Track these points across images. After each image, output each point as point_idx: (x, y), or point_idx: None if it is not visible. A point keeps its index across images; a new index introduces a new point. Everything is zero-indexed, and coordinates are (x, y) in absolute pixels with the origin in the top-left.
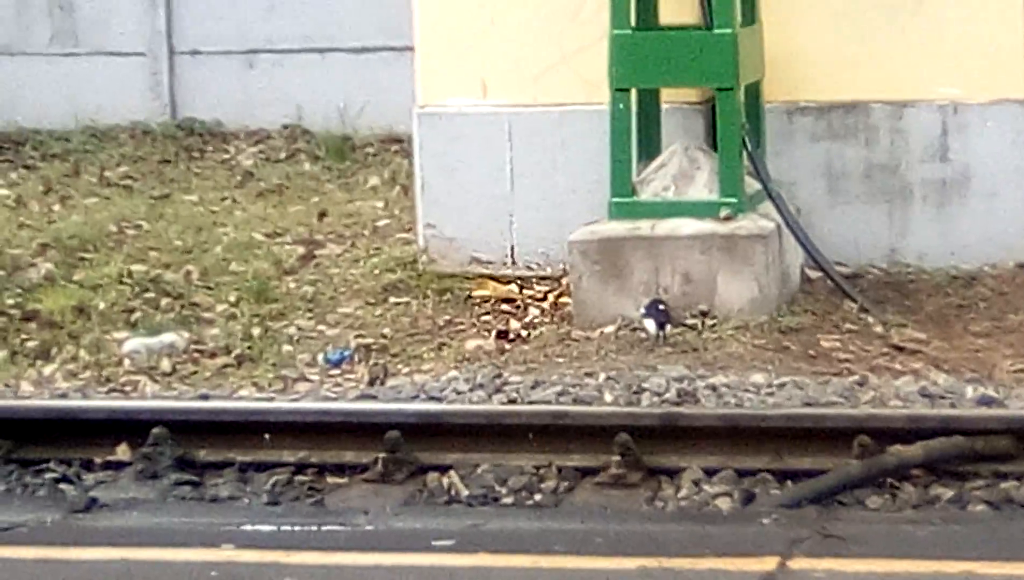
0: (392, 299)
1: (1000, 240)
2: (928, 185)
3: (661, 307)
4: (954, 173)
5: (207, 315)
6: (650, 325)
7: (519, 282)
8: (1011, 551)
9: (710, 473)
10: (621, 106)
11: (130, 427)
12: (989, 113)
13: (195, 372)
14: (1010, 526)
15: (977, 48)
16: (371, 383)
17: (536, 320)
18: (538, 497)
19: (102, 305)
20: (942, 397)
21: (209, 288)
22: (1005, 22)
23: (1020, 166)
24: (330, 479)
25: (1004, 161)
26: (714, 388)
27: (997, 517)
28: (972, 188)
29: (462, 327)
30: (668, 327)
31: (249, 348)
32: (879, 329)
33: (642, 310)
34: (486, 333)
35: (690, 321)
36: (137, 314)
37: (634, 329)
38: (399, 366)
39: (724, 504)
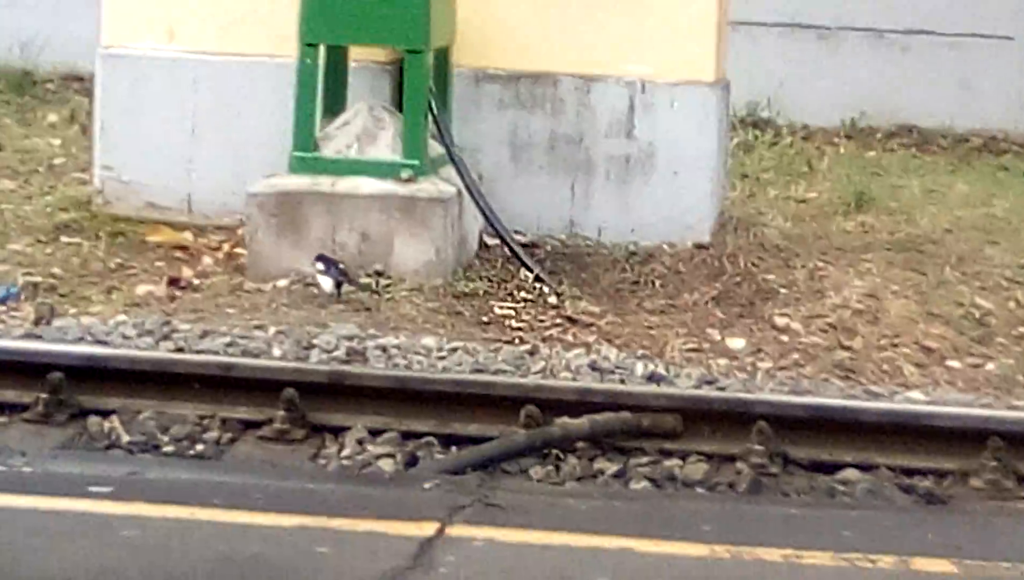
0: (64, 239)
1: (680, 220)
2: (612, 161)
3: (341, 266)
4: (638, 151)
5: None
6: (326, 282)
7: (195, 230)
8: (670, 529)
9: (375, 434)
10: (308, 61)
11: None
12: (677, 93)
13: None
14: (671, 504)
15: (669, 29)
16: (37, 322)
17: (209, 269)
18: (200, 447)
19: None
20: (612, 372)
21: None
22: (698, 4)
23: (703, 148)
24: None
25: (689, 143)
26: (384, 349)
27: (658, 495)
28: (655, 167)
29: (134, 272)
30: (344, 286)
31: None
32: (553, 300)
33: (319, 266)
34: (158, 279)
35: (365, 280)
36: None
37: (308, 284)
38: (67, 307)
39: (387, 466)
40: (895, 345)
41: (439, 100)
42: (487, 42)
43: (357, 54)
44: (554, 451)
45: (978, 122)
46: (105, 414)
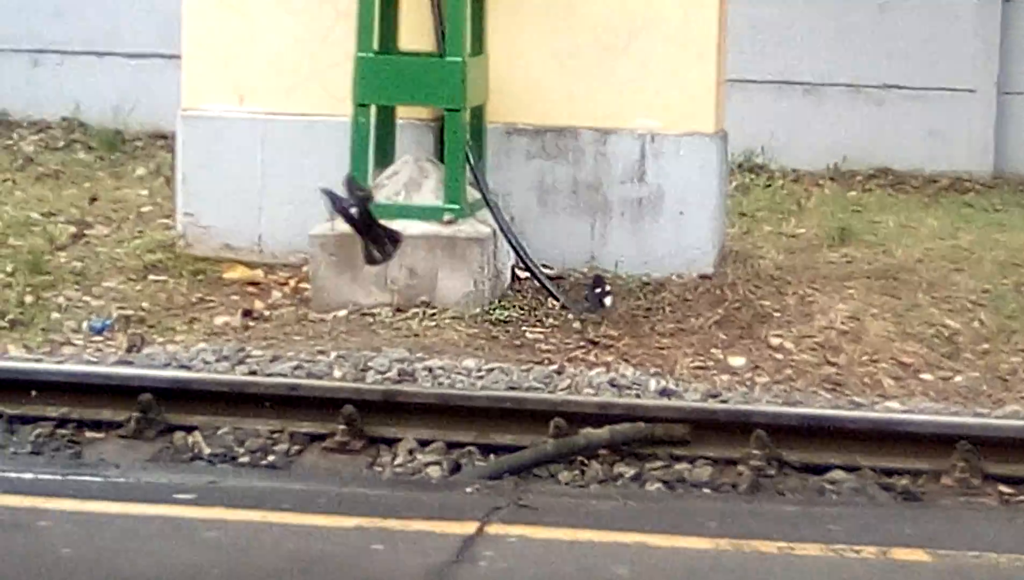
0: (151, 277)
1: (686, 253)
2: (626, 202)
3: (607, 288)
4: (649, 193)
5: None
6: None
7: (265, 268)
8: (681, 526)
9: (423, 444)
10: (361, 120)
11: None
12: (682, 143)
13: None
14: (681, 503)
15: (675, 86)
16: (129, 350)
17: (278, 302)
18: (271, 458)
19: None
20: (629, 387)
21: None
22: (700, 66)
23: (705, 190)
24: (88, 434)
25: (693, 185)
26: (431, 370)
27: (670, 495)
28: (664, 207)
29: (212, 305)
30: (608, 300)
31: (21, 314)
32: (577, 325)
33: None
34: (233, 311)
35: (412, 310)
36: None
37: (364, 314)
38: (155, 336)
39: (434, 472)
40: (875, 361)
41: (475, 152)
42: (517, 101)
43: (403, 113)
44: (579, 458)
45: (945, 165)
46: (189, 430)
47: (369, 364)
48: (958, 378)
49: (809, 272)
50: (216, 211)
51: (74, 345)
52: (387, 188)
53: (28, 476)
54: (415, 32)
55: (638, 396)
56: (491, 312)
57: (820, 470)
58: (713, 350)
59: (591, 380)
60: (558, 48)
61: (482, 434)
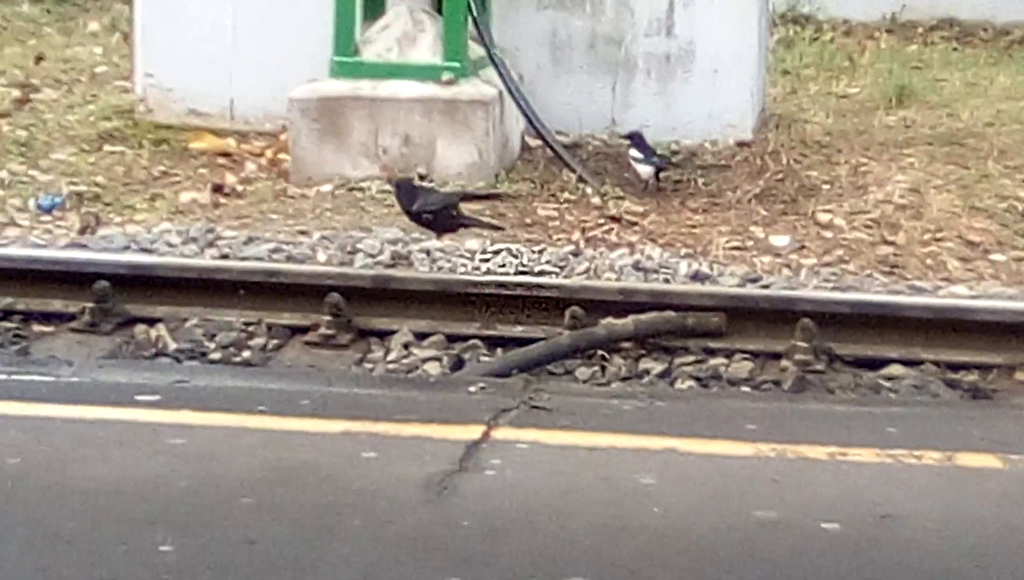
0: (107, 148)
1: (721, 117)
2: (652, 59)
3: (659, 153)
4: (679, 49)
5: None
6: (645, 170)
7: (237, 137)
8: (714, 429)
9: (420, 337)
10: None
11: None
12: None
13: None
14: (715, 403)
15: None
16: (82, 232)
17: (252, 176)
18: (246, 354)
19: None
20: (656, 271)
21: None
22: None
23: (744, 46)
24: (36, 327)
25: (728, 40)
26: (427, 252)
27: (703, 394)
28: (696, 64)
29: (177, 179)
30: (663, 172)
31: None
32: (596, 200)
33: (635, 154)
34: (201, 186)
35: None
36: None
37: (351, 189)
38: (111, 216)
39: (433, 369)
40: (938, 239)
41: (479, 1)
42: None
43: None
44: (599, 352)
45: (1019, 14)
46: (151, 322)
47: (358, 246)
48: None
49: (863, 138)
50: (181, 71)
51: (19, 226)
52: (377, 43)
53: None
54: None
55: (667, 281)
56: (498, 185)
57: (876, 365)
58: (752, 228)
59: (612, 263)
60: None
61: (487, 325)
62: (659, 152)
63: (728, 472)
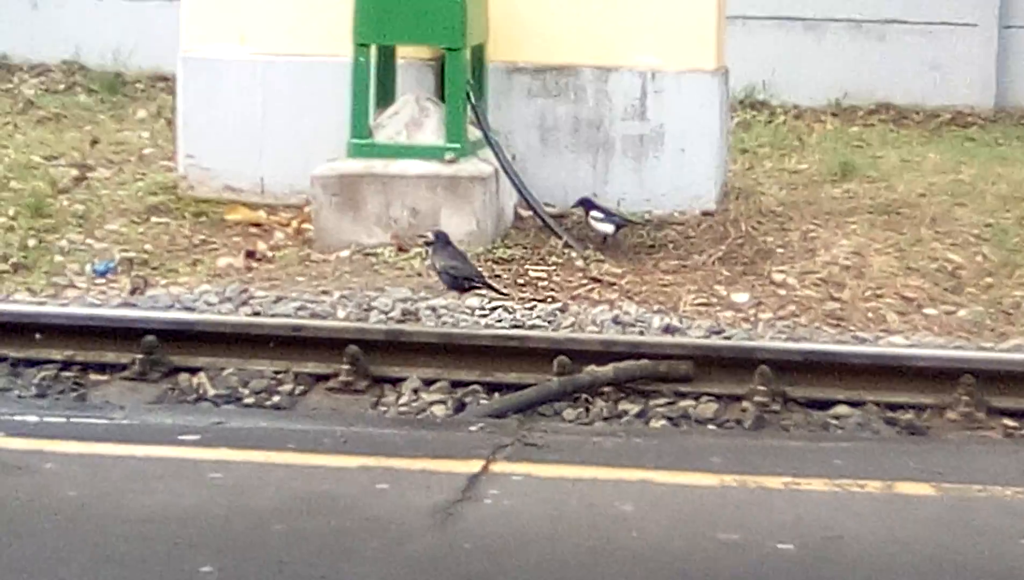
0: (154, 219)
1: (688, 190)
2: (628, 140)
3: (612, 211)
4: (651, 130)
5: None
6: (606, 227)
7: (267, 209)
8: (684, 462)
9: (428, 383)
10: (361, 59)
11: None
12: (683, 80)
13: None
14: (685, 440)
15: (675, 24)
16: (132, 292)
17: (281, 243)
18: (276, 399)
19: None
20: (632, 325)
21: None
22: (700, 2)
23: (707, 128)
24: (92, 376)
25: (694, 123)
26: (434, 309)
27: (674, 431)
28: (666, 144)
29: (215, 246)
30: (621, 229)
31: (24, 257)
32: (580, 263)
33: (596, 215)
34: (236, 252)
35: (415, 250)
36: None
37: (366, 254)
38: (158, 278)
39: (439, 411)
40: (879, 296)
41: (476, 91)
42: (517, 39)
43: (404, 52)
44: (583, 395)
45: (947, 99)
46: (193, 371)
47: (372, 304)
48: (961, 312)
49: (811, 208)
50: (217, 153)
51: (77, 288)
52: (388, 128)
53: (33, 419)
54: None
55: (642, 333)
56: (494, 250)
57: (824, 405)
58: (716, 286)
59: (595, 318)
60: None
61: (486, 372)
62: (626, 215)
63: (696, 500)
